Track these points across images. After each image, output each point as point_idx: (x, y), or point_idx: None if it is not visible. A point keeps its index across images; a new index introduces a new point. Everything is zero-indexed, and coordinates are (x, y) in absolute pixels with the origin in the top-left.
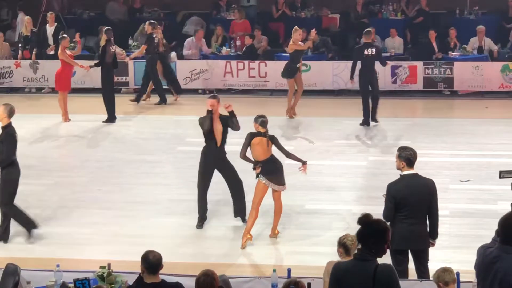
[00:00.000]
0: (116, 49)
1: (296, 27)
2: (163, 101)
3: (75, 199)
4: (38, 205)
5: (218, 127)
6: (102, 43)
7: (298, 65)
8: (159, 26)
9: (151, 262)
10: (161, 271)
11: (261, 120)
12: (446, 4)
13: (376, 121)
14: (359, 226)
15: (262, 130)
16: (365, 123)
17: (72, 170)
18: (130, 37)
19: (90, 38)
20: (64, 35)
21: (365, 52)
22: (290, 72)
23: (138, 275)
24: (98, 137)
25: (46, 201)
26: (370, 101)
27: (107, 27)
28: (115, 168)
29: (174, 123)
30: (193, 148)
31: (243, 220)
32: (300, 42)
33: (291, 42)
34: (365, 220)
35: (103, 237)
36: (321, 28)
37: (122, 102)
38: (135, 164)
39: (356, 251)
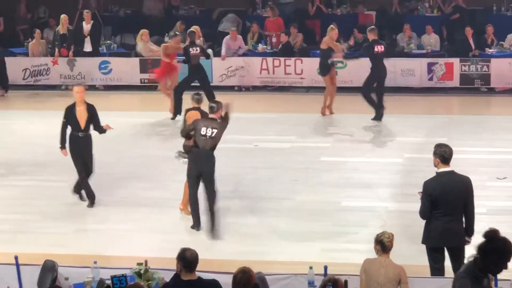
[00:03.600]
0: (196, 51)
1: (332, 25)
2: None
3: (112, 195)
4: (75, 202)
5: None
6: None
7: (330, 61)
8: None
9: (188, 259)
10: (197, 268)
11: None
12: (482, 0)
13: (379, 120)
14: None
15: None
16: (377, 118)
17: (109, 166)
18: (166, 34)
19: (126, 35)
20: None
21: (375, 49)
22: (324, 69)
23: (175, 272)
24: (138, 133)
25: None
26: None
27: (190, 30)
28: (152, 165)
29: None
30: (228, 145)
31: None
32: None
33: (327, 38)
34: (492, 235)
35: (140, 234)
36: (357, 25)
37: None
38: (173, 160)
39: (469, 261)
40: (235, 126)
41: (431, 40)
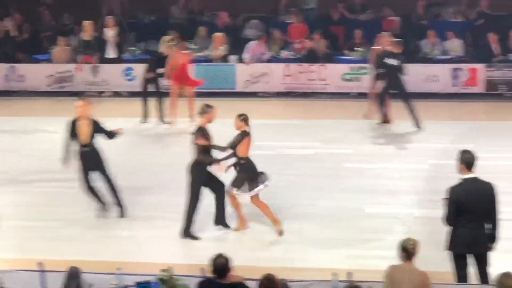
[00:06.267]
0: None
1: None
2: None
3: (137, 202)
4: (98, 208)
5: None
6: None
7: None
8: None
9: (215, 266)
10: None
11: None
12: (508, 6)
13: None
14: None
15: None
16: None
17: (134, 173)
18: (189, 40)
19: (151, 42)
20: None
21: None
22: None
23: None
24: (161, 140)
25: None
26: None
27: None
28: (179, 172)
29: None
30: (252, 152)
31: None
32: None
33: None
34: None
35: (164, 241)
36: (381, 30)
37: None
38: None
39: None
40: (259, 133)
41: (453, 45)
